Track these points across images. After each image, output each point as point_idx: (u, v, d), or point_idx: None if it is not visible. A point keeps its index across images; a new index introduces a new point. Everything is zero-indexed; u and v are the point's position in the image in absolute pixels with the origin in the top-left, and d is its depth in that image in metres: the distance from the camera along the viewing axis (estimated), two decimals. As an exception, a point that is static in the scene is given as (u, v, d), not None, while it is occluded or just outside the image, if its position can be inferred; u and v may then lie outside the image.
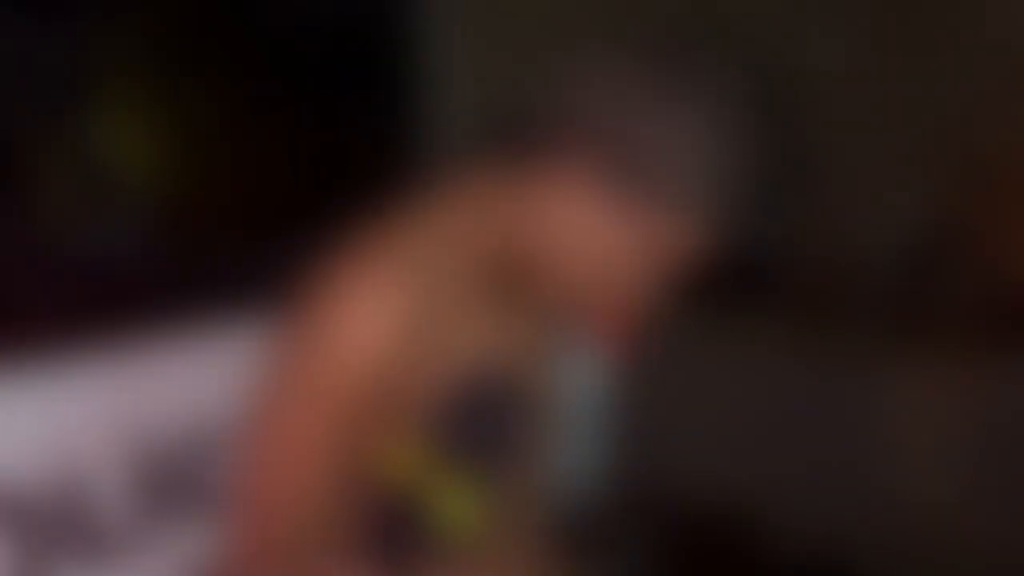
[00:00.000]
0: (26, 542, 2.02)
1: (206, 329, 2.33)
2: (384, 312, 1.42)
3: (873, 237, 2.99)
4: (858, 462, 2.98)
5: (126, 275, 2.30)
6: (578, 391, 2.28)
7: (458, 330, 1.49)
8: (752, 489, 3.09)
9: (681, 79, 1.42)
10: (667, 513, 3.05)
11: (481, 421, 1.48)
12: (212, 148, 2.52)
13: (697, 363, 3.06)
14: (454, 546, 1.47)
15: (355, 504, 1.48)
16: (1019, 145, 2.86)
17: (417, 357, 1.44)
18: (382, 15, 2.89)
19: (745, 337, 3.04)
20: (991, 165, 2.91)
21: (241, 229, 2.49)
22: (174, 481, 2.26)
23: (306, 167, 2.68)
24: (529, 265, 1.48)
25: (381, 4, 2.85)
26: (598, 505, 2.61)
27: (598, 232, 1.44)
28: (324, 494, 1.45)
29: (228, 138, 2.55)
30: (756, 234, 2.96)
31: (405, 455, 1.45)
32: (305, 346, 1.43)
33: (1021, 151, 2.87)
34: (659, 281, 1.50)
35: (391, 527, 1.45)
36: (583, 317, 1.66)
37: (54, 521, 2.06)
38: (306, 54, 2.72)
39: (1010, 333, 2.86)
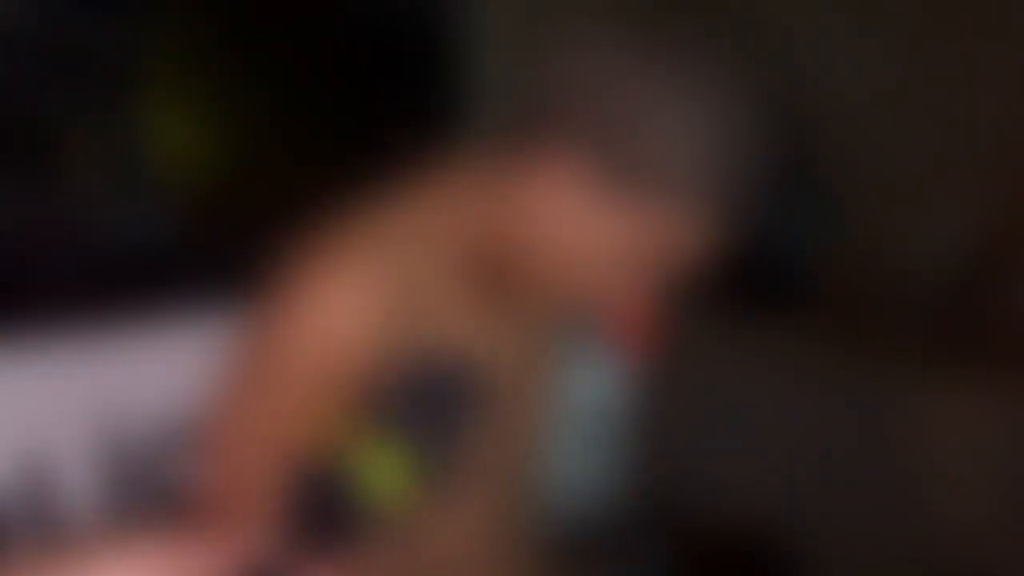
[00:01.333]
0: None
1: (179, 318, 2.33)
2: (358, 301, 1.37)
3: (917, 252, 2.96)
4: (891, 483, 2.96)
5: (107, 261, 2.31)
6: (587, 397, 2.21)
7: (441, 327, 1.42)
8: (777, 507, 3.04)
9: (682, 69, 1.34)
10: (684, 529, 3.02)
11: (429, 394, 1.43)
12: (235, 138, 2.55)
13: (724, 373, 3.04)
14: (383, 521, 1.42)
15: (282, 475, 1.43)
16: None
17: (392, 352, 1.38)
18: (416, 6, 2.89)
19: (777, 348, 3.01)
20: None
21: (236, 217, 2.48)
22: (142, 472, 2.26)
23: (322, 158, 2.69)
24: (522, 260, 1.41)
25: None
26: (610, 518, 2.57)
27: (591, 226, 1.37)
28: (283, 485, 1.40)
29: (252, 126, 2.58)
30: (788, 242, 2.94)
31: (336, 423, 1.40)
32: (273, 336, 1.39)
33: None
34: (665, 279, 1.41)
35: (316, 498, 1.42)
36: (588, 318, 1.59)
37: (18, 510, 2.05)
38: (337, 48, 2.75)
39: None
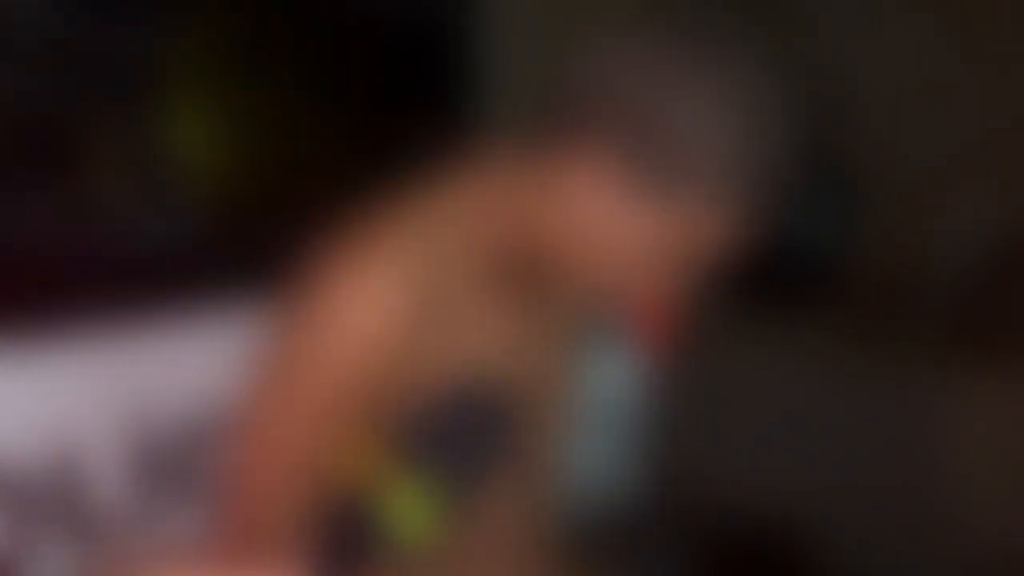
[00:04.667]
0: (17, 517, 2.06)
1: (208, 312, 2.36)
2: (384, 301, 1.37)
3: (940, 246, 2.96)
4: (908, 477, 2.95)
5: (136, 258, 2.35)
6: (608, 393, 2.22)
7: (465, 324, 1.42)
8: (795, 502, 3.05)
9: (713, 64, 1.34)
10: (703, 525, 3.02)
11: (461, 430, 1.42)
12: (257, 139, 2.57)
13: (742, 367, 3.04)
14: (407, 553, 1.42)
15: (310, 502, 1.43)
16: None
17: (418, 351, 1.38)
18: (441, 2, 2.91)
19: (799, 342, 3.01)
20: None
21: (261, 217, 2.52)
22: (169, 464, 2.30)
23: (346, 157, 2.71)
24: (547, 255, 1.42)
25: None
26: (629, 515, 2.57)
27: (623, 221, 1.37)
28: (307, 486, 1.41)
29: (274, 126, 2.60)
30: (810, 236, 2.94)
31: (365, 454, 1.41)
32: (301, 333, 1.39)
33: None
34: (690, 274, 1.42)
35: (342, 528, 1.42)
36: (611, 313, 1.60)
37: (46, 498, 2.10)
38: (357, 46, 2.77)
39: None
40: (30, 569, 2.07)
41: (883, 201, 3.02)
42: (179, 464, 2.30)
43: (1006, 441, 2.84)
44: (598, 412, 1.91)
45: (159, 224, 2.36)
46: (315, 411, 1.38)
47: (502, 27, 3.00)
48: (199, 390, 2.30)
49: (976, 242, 2.94)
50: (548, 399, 1.55)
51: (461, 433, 1.40)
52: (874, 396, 2.96)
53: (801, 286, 2.99)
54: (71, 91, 2.21)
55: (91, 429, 2.16)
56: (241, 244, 2.45)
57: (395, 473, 1.40)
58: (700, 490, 3.05)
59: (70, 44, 2.19)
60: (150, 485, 2.26)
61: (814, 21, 2.93)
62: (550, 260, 1.41)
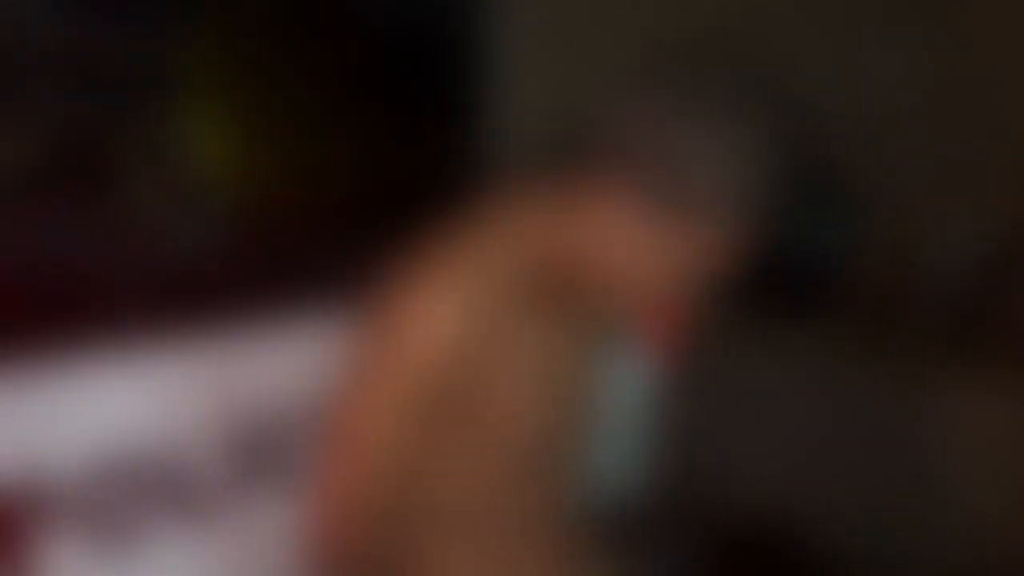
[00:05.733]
0: (132, 499, 2.26)
1: (297, 320, 2.52)
2: (448, 318, 1.54)
3: (938, 256, 2.97)
4: (911, 478, 2.96)
5: (225, 272, 2.48)
6: (625, 396, 2.32)
7: (513, 335, 1.59)
8: (799, 500, 3.09)
9: (711, 106, 1.52)
10: (712, 521, 3.07)
11: None
12: (300, 152, 2.64)
13: (749, 373, 3.07)
14: None
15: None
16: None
17: (478, 358, 1.55)
18: (456, 31, 3.01)
19: (803, 349, 3.04)
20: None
21: (328, 230, 2.61)
22: (263, 454, 2.48)
23: (389, 170, 2.75)
24: (579, 275, 1.59)
25: (453, 19, 2.96)
26: (645, 510, 2.63)
27: (642, 243, 1.55)
28: (396, 476, 1.56)
29: (315, 142, 2.68)
30: (813, 247, 2.95)
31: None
32: (379, 340, 1.56)
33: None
34: (701, 288, 1.59)
35: None
36: (630, 323, 1.74)
37: (154, 481, 2.30)
38: (386, 62, 2.84)
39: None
40: (145, 544, 2.26)
41: (882, 211, 3.00)
42: (272, 455, 2.47)
43: (1004, 444, 2.84)
44: (616, 414, 2.02)
45: (238, 238, 2.48)
46: (394, 410, 1.55)
47: (524, 82, 3.03)
48: (289, 389, 2.46)
49: (974, 249, 2.92)
50: (574, 402, 1.70)
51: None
52: (876, 400, 2.98)
53: (805, 296, 3.01)
54: (103, 105, 2.27)
55: (195, 422, 2.36)
56: (315, 259, 2.56)
57: None
58: (709, 489, 3.10)
59: (96, 57, 2.25)
60: (246, 472, 2.44)
61: (811, 36, 2.94)
62: (582, 279, 1.59)
